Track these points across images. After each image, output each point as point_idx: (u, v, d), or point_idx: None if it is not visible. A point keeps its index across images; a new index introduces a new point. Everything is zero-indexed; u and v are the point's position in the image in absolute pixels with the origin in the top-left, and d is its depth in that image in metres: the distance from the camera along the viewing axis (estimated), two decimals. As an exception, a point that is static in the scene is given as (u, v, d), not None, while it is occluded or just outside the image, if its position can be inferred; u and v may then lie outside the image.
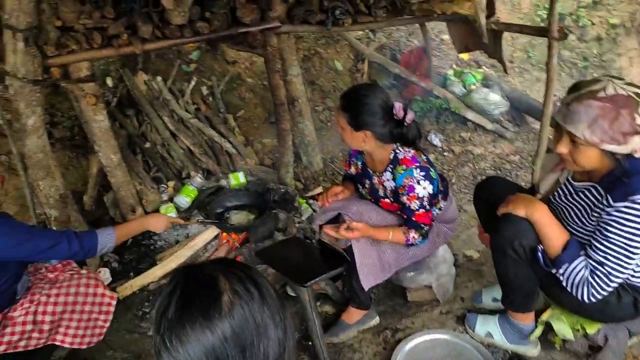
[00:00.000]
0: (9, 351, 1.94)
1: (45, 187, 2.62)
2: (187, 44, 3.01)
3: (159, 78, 3.92)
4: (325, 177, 4.08)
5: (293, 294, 2.62)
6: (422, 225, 2.15)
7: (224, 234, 3.05)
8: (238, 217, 3.14)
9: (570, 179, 1.84)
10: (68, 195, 2.79)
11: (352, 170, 2.43)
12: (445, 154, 4.30)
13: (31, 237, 1.85)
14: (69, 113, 3.74)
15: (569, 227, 1.79)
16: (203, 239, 3.05)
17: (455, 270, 2.57)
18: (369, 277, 2.18)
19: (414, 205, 2.10)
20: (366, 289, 2.20)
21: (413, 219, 2.14)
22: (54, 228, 2.72)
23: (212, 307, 0.85)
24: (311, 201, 3.64)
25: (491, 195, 2.12)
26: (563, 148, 1.63)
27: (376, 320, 2.44)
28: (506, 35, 4.84)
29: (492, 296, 2.36)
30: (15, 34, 2.16)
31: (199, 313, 0.84)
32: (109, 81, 3.82)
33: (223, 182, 3.49)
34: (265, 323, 0.89)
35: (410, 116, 2.06)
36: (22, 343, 1.97)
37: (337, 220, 2.41)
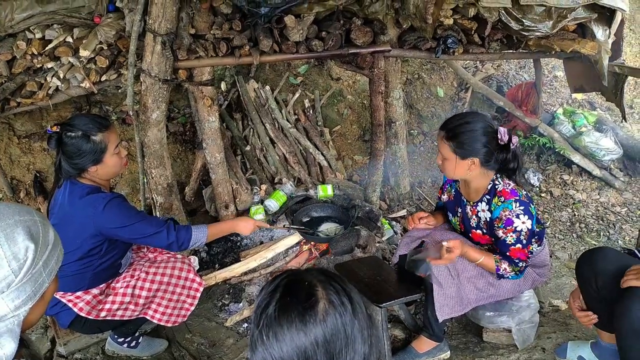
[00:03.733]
0: (107, 318, 2.17)
1: (156, 175, 2.91)
2: (300, 59, 3.18)
3: (267, 87, 4.16)
4: (410, 201, 4.06)
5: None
6: (517, 261, 2.05)
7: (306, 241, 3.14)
8: (322, 228, 3.21)
9: None
10: (174, 185, 3.06)
11: (445, 197, 2.40)
12: (542, 194, 4.08)
13: (138, 221, 2.04)
14: (183, 110, 4.10)
15: None
16: (285, 243, 3.17)
17: (539, 318, 2.43)
18: (444, 309, 2.15)
19: (510, 238, 2.02)
20: (440, 320, 2.16)
21: (507, 254, 2.05)
22: (159, 213, 3.00)
23: (309, 312, 0.92)
24: (394, 223, 3.64)
25: (602, 270, 1.86)
26: None
27: (447, 354, 2.38)
28: (630, 79, 4.51)
29: (578, 354, 2.19)
30: (155, 38, 2.44)
31: (296, 316, 0.92)
32: (223, 86, 4.13)
33: (311, 192, 3.60)
34: (355, 336, 0.94)
35: (515, 140, 2.00)
36: (119, 312, 2.19)
37: (419, 249, 2.40)
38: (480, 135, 1.99)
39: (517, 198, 2.01)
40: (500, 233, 2.05)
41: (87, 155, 1.98)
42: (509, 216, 2.00)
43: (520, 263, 2.06)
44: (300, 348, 0.91)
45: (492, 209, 2.06)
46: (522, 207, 2.00)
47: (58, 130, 1.96)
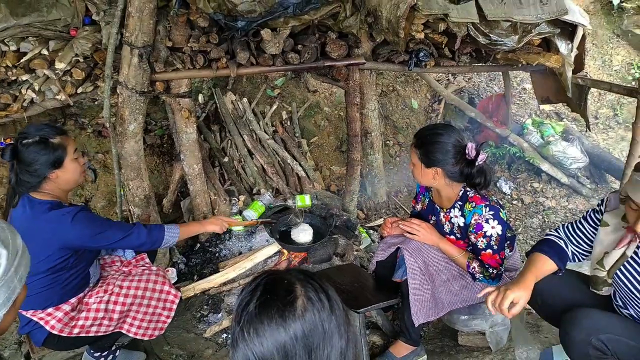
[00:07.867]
0: (81, 335, 2.13)
1: (134, 187, 2.90)
2: (277, 72, 3.23)
3: (245, 99, 4.20)
4: (387, 210, 4.13)
5: (344, 320, 2.66)
6: (487, 266, 2.12)
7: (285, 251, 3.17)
8: (300, 236, 3.23)
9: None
10: (151, 197, 3.05)
11: (419, 206, 2.47)
12: (514, 202, 4.21)
13: (107, 228, 2.06)
14: (161, 123, 4.10)
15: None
16: (264, 253, 3.19)
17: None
18: (420, 313, 2.19)
19: (481, 243, 2.09)
20: (416, 324, 2.20)
21: (479, 257, 2.13)
22: (135, 224, 2.98)
23: (288, 308, 0.96)
24: (371, 231, 3.70)
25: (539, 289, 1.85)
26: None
27: (424, 358, 2.43)
28: (594, 91, 4.71)
29: (565, 357, 2.20)
30: (132, 50, 2.46)
31: (276, 312, 0.96)
32: (201, 98, 4.15)
33: (289, 202, 3.64)
34: (332, 331, 0.98)
35: (482, 157, 2.06)
36: (94, 328, 2.15)
37: (395, 255, 2.46)
38: (447, 147, 2.06)
39: (487, 203, 2.08)
40: (472, 238, 2.12)
41: (46, 158, 1.95)
42: (478, 221, 2.08)
43: (491, 269, 2.12)
44: (279, 343, 0.95)
45: (465, 214, 2.14)
46: (492, 212, 2.07)
47: (12, 141, 1.93)
